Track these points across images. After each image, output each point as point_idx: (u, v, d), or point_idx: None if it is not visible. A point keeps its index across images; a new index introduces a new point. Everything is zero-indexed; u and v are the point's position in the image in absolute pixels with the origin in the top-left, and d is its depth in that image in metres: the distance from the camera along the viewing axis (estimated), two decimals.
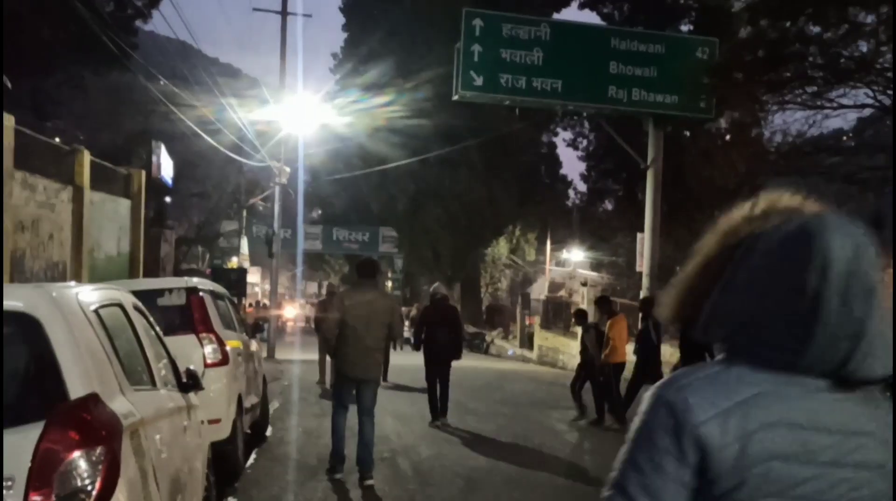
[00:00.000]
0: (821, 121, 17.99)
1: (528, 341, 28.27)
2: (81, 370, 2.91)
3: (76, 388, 2.85)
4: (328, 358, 11.97)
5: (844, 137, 25.24)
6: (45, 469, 2.65)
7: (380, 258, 46.29)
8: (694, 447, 1.30)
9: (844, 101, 16.70)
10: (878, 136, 19.40)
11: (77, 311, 3.14)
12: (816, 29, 16.14)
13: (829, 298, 1.29)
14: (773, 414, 1.31)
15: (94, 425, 2.79)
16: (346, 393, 7.47)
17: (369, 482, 7.15)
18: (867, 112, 18.17)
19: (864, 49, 15.77)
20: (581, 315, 12.60)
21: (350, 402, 7.46)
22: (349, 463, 7.56)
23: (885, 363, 1.32)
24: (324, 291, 22.53)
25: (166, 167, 23.77)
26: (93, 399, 2.86)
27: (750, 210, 1.46)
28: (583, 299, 23.72)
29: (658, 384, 1.40)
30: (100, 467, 2.72)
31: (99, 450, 2.74)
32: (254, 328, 10.22)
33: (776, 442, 1.30)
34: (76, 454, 2.69)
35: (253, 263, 47.26)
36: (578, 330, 14.16)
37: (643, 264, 19.25)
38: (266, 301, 28.06)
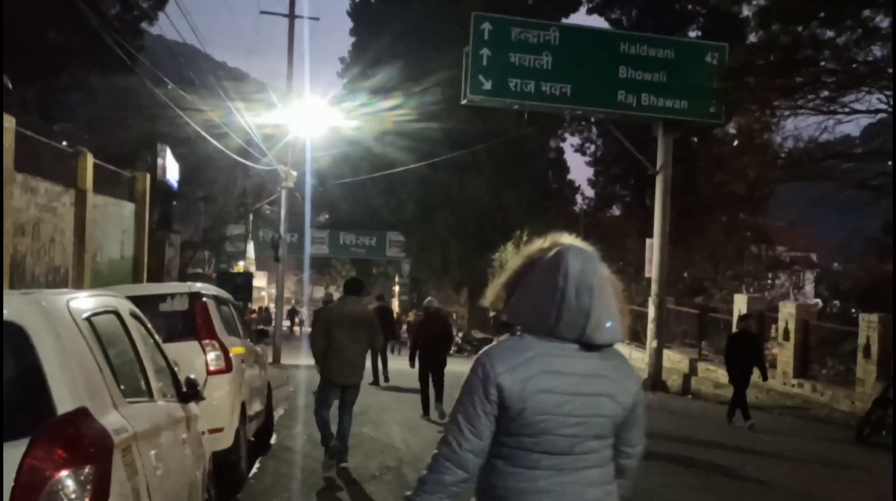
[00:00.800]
0: (833, 126, 17.72)
1: None
2: (70, 383, 2.74)
3: (64, 402, 2.68)
4: None
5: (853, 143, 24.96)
6: (29, 489, 2.49)
7: (387, 263, 46.29)
8: (495, 388, 2.17)
9: (857, 106, 16.48)
10: (890, 141, 19.15)
11: (67, 319, 2.97)
12: (830, 33, 15.92)
13: (568, 292, 2.17)
14: (543, 365, 2.18)
15: (82, 442, 2.62)
16: (330, 396, 8.05)
17: (344, 464, 7.93)
18: (879, 117, 17.92)
19: (879, 54, 15.55)
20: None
21: (333, 402, 8.08)
22: (361, 472, 7.82)
23: (606, 335, 2.21)
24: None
25: (172, 171, 23.69)
26: (82, 414, 2.69)
27: (542, 243, 2.33)
28: None
29: (480, 351, 2.25)
30: (88, 487, 2.56)
31: (87, 469, 2.57)
32: (258, 334, 10.07)
33: (543, 382, 2.17)
34: (63, 473, 2.52)
35: (259, 267, 47.21)
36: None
37: (652, 271, 19.04)
38: (272, 305, 27.88)
